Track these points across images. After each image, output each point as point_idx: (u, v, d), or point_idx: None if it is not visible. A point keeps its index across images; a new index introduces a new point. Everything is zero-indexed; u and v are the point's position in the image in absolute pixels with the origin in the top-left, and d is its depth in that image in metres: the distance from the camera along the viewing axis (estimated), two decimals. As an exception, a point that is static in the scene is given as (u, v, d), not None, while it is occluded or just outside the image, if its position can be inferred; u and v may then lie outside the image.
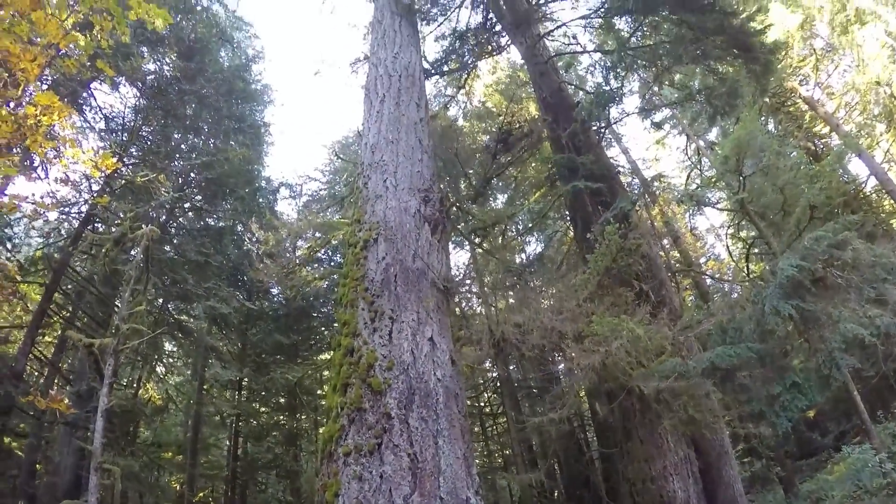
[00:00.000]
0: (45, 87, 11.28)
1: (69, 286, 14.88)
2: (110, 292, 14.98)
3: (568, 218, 13.91)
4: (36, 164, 11.68)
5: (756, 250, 13.10)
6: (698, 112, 13.06)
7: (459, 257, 19.46)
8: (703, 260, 24.60)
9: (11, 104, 6.59)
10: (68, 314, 15.20)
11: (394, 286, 5.26)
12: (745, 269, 11.49)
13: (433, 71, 12.32)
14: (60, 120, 7.01)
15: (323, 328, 20.89)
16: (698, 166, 17.88)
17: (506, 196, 17.15)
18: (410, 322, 4.97)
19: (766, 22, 10.97)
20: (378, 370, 4.57)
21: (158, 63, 16.32)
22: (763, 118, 16.70)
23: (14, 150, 7.37)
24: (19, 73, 6.14)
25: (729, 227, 17.01)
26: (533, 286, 15.82)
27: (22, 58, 6.02)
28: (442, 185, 12.30)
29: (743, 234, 15.52)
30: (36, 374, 16.64)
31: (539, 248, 19.41)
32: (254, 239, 19.29)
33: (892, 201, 16.91)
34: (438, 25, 12.21)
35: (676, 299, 10.43)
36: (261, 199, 18.82)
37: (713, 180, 12.47)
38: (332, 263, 18.95)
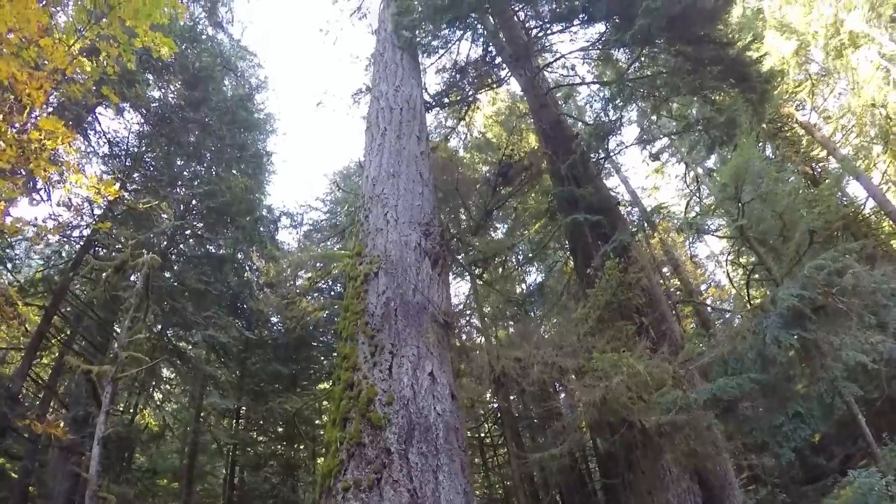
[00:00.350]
0: (49, 110, 11.39)
1: (68, 309, 14.85)
2: (109, 317, 14.96)
3: (568, 248, 13.91)
4: (39, 186, 11.77)
5: (757, 276, 13.09)
6: (696, 140, 13.13)
7: (460, 288, 19.43)
8: (703, 287, 24.57)
9: (16, 127, 6.67)
10: (67, 337, 15.14)
11: (394, 320, 5.26)
12: (746, 296, 11.48)
13: (434, 103, 12.41)
14: (64, 144, 7.10)
15: (322, 358, 20.73)
16: (697, 194, 17.94)
17: (506, 227, 17.16)
18: (410, 357, 4.97)
19: (761, 50, 11.10)
20: (378, 405, 4.55)
21: (163, 90, 16.56)
22: (760, 144, 16.77)
23: (18, 173, 7.44)
24: (25, 97, 6.23)
25: (729, 254, 17.06)
26: (533, 316, 15.79)
27: (28, 84, 6.11)
28: (442, 217, 12.34)
29: (743, 260, 15.52)
30: (32, 396, 16.51)
31: (539, 278, 19.42)
32: (254, 268, 19.28)
33: (891, 222, 16.91)
34: (439, 58, 12.32)
35: (677, 329, 10.38)
36: (262, 228, 18.80)
37: (712, 208, 12.54)
38: (333, 294, 18.90)
